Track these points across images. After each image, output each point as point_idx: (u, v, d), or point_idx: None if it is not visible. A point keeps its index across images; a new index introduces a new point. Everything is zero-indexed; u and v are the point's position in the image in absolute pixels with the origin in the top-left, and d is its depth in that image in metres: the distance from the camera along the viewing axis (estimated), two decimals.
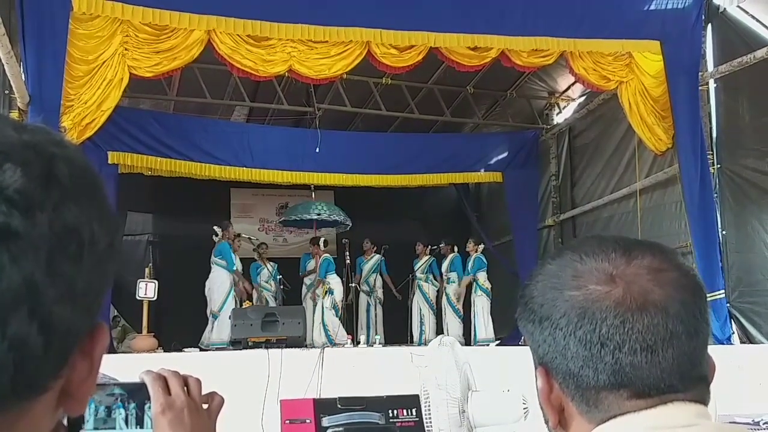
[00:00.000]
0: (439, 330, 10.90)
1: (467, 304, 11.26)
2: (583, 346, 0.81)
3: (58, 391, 0.57)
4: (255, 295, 10.72)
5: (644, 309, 0.81)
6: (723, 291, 8.56)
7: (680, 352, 0.82)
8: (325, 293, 10.30)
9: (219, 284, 9.78)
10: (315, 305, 10.53)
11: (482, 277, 11.04)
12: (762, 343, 8.33)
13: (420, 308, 11.49)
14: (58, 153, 0.56)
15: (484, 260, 11.17)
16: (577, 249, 0.89)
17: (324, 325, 10.11)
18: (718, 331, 8.34)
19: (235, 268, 9.92)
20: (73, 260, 0.54)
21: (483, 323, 10.78)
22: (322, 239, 11.12)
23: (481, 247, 11.36)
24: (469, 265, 11.24)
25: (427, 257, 11.75)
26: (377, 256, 11.80)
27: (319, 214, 11.25)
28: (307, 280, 11.06)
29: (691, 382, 0.83)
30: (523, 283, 0.92)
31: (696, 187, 8.74)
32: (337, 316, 10.28)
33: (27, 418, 0.55)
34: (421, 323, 11.38)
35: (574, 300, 0.83)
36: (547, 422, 0.89)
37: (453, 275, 11.38)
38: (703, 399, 0.84)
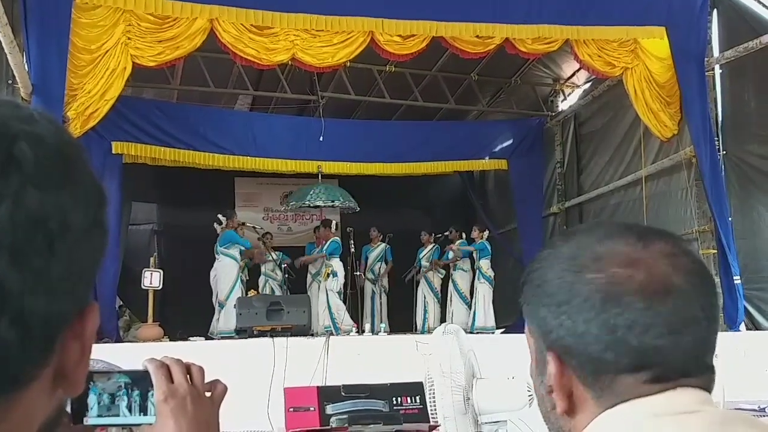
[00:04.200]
0: (444, 318, 10.92)
1: (470, 292, 11.28)
2: (607, 330, 0.80)
3: (52, 375, 0.56)
4: (262, 281, 10.76)
5: (668, 293, 0.81)
6: (739, 276, 8.54)
7: (698, 337, 0.82)
8: (328, 275, 10.30)
9: (225, 273, 9.80)
10: (320, 290, 10.54)
11: (485, 264, 11.03)
12: None
13: (424, 296, 11.51)
14: (24, 131, 0.52)
15: (488, 248, 11.16)
16: (590, 232, 0.88)
17: (329, 309, 10.13)
18: (739, 315, 8.36)
19: (251, 245, 10.13)
20: (41, 252, 0.51)
21: (483, 311, 10.77)
22: (333, 222, 11.11)
23: (486, 233, 11.35)
24: (473, 251, 11.24)
25: (431, 245, 11.75)
26: (383, 245, 11.80)
27: (315, 202, 11.15)
28: (312, 268, 11.06)
29: (703, 367, 0.83)
30: (528, 268, 0.90)
31: (712, 174, 8.68)
32: (341, 299, 10.30)
33: (20, 406, 0.53)
34: (425, 311, 11.41)
35: (596, 283, 0.81)
36: (545, 413, 0.88)
37: (460, 262, 11.40)
38: (708, 386, 0.83)
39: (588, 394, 0.82)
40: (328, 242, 10.60)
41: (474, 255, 11.26)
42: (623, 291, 0.81)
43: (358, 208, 11.30)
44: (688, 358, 0.81)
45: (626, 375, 0.80)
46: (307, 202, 10.89)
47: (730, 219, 8.76)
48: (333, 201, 10.94)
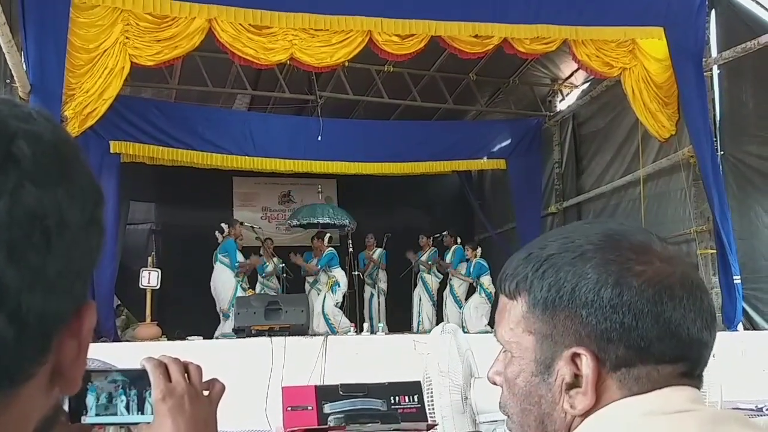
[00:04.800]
0: (439, 319, 10.91)
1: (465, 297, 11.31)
2: (661, 322, 0.80)
3: (49, 373, 0.56)
4: (258, 288, 10.74)
5: (699, 289, 0.83)
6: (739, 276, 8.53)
7: (715, 333, 0.84)
8: (331, 287, 10.32)
9: (223, 282, 9.81)
10: (318, 296, 10.53)
11: (486, 281, 10.99)
12: (765, 329, 8.33)
13: (420, 297, 11.52)
14: (23, 129, 0.53)
15: (486, 264, 11.16)
16: (611, 227, 0.87)
17: (325, 315, 10.13)
18: (737, 315, 8.37)
19: (237, 265, 9.93)
20: (39, 248, 0.51)
21: (474, 319, 10.73)
22: (327, 235, 11.10)
23: (479, 251, 11.37)
24: (471, 270, 11.22)
25: (430, 249, 11.76)
26: (379, 251, 11.80)
27: (326, 220, 11.30)
28: (309, 278, 11.07)
29: (704, 365, 0.85)
30: (532, 267, 0.87)
31: (710, 172, 8.67)
32: (338, 306, 10.30)
33: (16, 404, 0.54)
34: (419, 313, 11.41)
35: (645, 276, 0.81)
36: (543, 414, 0.85)
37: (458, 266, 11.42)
38: (700, 384, 0.84)
39: (615, 386, 0.81)
40: (324, 255, 10.63)
41: (470, 270, 11.26)
42: (673, 284, 0.81)
43: (353, 227, 11.40)
44: (709, 354, 0.83)
45: (666, 365, 0.81)
46: (316, 220, 11.07)
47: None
48: (341, 219, 11.10)
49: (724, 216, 8.53)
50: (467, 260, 11.32)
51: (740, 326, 8.53)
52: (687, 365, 0.82)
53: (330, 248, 10.82)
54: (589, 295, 0.81)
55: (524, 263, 0.88)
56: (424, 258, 11.68)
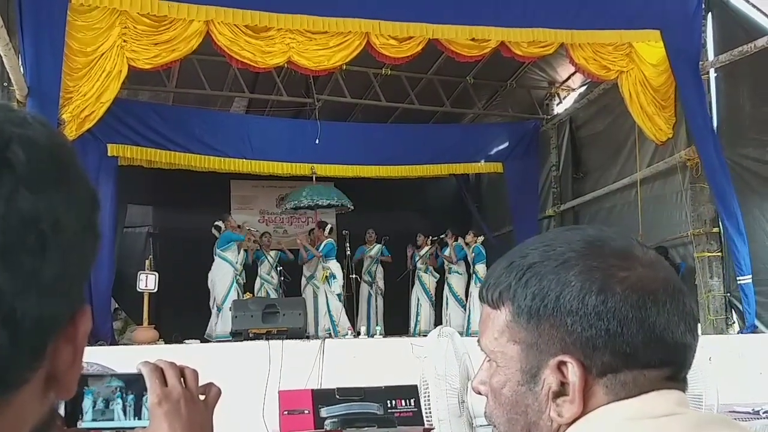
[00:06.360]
0: (439, 321, 10.90)
1: (465, 295, 11.27)
2: (646, 328, 0.80)
3: (44, 378, 0.56)
4: (258, 284, 10.74)
5: (681, 293, 0.83)
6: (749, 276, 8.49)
7: (698, 336, 0.85)
8: (325, 278, 10.29)
9: (222, 276, 9.82)
10: (315, 295, 10.52)
11: (481, 269, 11.01)
12: (763, 332, 8.34)
13: (418, 298, 11.50)
14: (18, 134, 0.53)
15: (483, 252, 11.16)
16: (591, 233, 0.87)
17: (329, 312, 10.12)
18: (750, 317, 8.36)
19: (245, 235, 10.25)
20: (33, 253, 0.51)
21: (479, 315, 10.69)
22: (328, 226, 11.08)
23: (481, 238, 11.36)
24: (469, 255, 11.23)
25: (428, 248, 11.74)
26: (378, 246, 11.79)
27: (330, 202, 11.16)
28: (306, 271, 11.05)
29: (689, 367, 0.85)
30: (515, 276, 0.86)
31: (717, 173, 8.66)
32: (339, 301, 10.29)
33: (11, 409, 0.53)
34: (417, 314, 11.38)
35: (628, 282, 0.81)
36: (530, 423, 0.84)
37: (455, 265, 11.38)
38: (685, 387, 0.84)
39: (602, 392, 0.81)
40: (323, 244, 10.59)
41: (470, 259, 11.25)
42: (656, 289, 0.81)
43: (352, 207, 11.28)
44: (693, 356, 0.84)
45: (652, 370, 0.81)
46: (303, 201, 10.89)
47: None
48: (328, 200, 10.95)
49: (734, 215, 8.49)
50: (467, 245, 11.29)
51: (735, 327, 8.54)
52: (672, 369, 0.82)
53: (329, 239, 10.78)
54: (574, 303, 0.81)
55: (506, 272, 0.88)
56: (421, 256, 11.66)
